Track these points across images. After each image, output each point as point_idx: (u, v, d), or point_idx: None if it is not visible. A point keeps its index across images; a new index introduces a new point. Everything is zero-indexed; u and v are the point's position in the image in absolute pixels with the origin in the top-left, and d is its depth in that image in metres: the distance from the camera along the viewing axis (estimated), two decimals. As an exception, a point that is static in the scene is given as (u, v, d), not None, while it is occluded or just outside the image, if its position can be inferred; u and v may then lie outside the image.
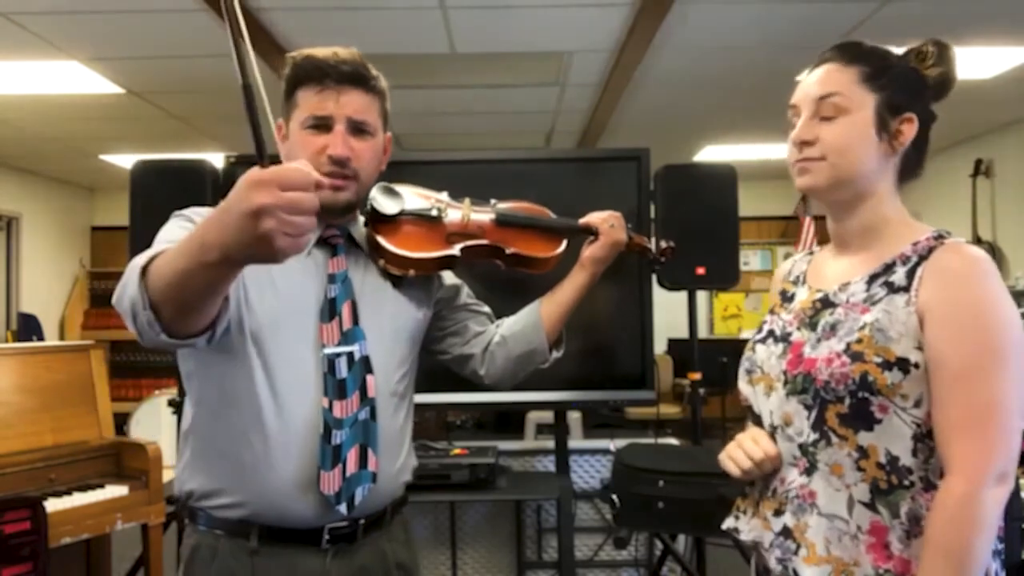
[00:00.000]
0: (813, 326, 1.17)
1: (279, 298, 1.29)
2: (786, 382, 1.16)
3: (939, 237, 1.12)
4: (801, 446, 1.15)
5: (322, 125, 1.30)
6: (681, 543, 2.74)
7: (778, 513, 1.18)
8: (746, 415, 1.30)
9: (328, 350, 1.29)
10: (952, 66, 1.19)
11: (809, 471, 1.14)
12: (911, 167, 1.19)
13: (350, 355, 1.31)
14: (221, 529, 1.28)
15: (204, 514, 1.30)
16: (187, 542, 1.33)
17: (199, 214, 1.29)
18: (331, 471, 1.26)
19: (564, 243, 1.58)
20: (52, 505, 2.22)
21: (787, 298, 1.28)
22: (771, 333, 1.25)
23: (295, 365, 1.28)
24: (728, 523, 1.29)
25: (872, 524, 1.08)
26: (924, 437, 1.08)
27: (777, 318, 1.26)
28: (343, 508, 1.27)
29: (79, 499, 2.32)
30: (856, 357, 1.08)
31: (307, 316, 1.31)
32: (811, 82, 1.19)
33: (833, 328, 1.13)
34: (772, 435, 1.19)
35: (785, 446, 1.17)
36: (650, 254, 1.73)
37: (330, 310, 1.32)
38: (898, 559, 1.07)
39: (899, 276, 1.11)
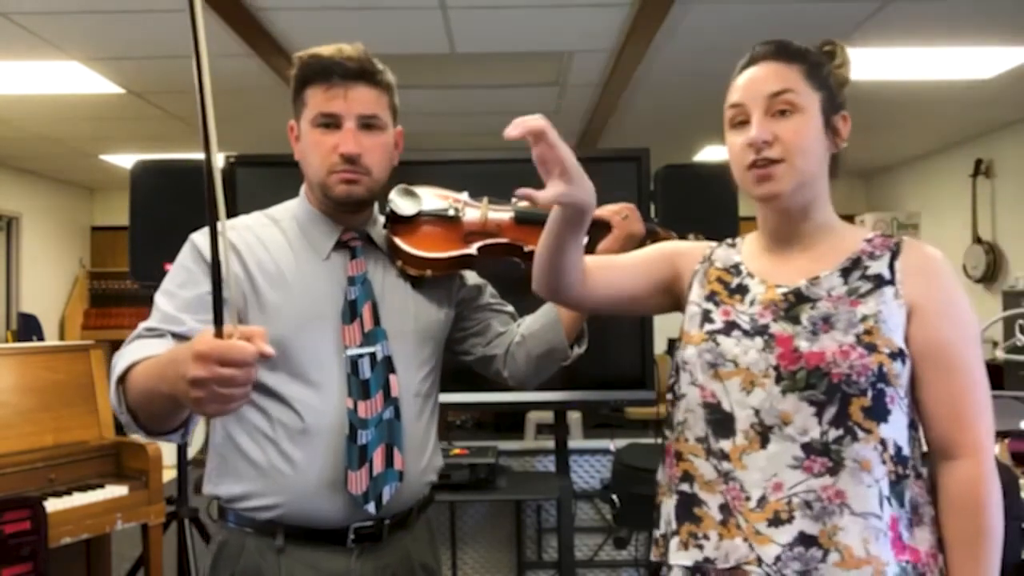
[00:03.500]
0: (794, 319, 1.11)
1: (300, 302, 1.31)
2: (780, 378, 1.09)
3: (886, 235, 1.17)
4: (806, 445, 1.07)
5: (332, 123, 1.30)
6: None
7: (777, 523, 1.07)
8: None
9: (351, 351, 1.31)
10: (850, 68, 1.20)
11: (833, 470, 1.06)
12: (837, 165, 1.19)
13: (372, 355, 1.32)
14: (249, 527, 1.30)
15: (232, 512, 1.32)
16: (215, 538, 1.35)
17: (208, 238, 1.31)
18: (358, 471, 1.27)
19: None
20: (52, 505, 2.22)
21: (733, 289, 1.20)
22: (734, 324, 1.16)
23: (319, 367, 1.29)
24: (683, 558, 1.12)
25: (891, 518, 1.06)
26: (910, 427, 1.10)
27: (733, 308, 1.18)
28: (371, 507, 1.28)
29: (79, 499, 2.32)
30: (871, 348, 1.06)
31: (328, 319, 1.32)
32: (757, 79, 1.13)
33: (827, 320, 1.09)
34: (765, 435, 1.09)
35: (782, 447, 1.08)
36: None
37: (351, 312, 1.33)
38: (910, 549, 1.06)
39: (880, 269, 1.12)
